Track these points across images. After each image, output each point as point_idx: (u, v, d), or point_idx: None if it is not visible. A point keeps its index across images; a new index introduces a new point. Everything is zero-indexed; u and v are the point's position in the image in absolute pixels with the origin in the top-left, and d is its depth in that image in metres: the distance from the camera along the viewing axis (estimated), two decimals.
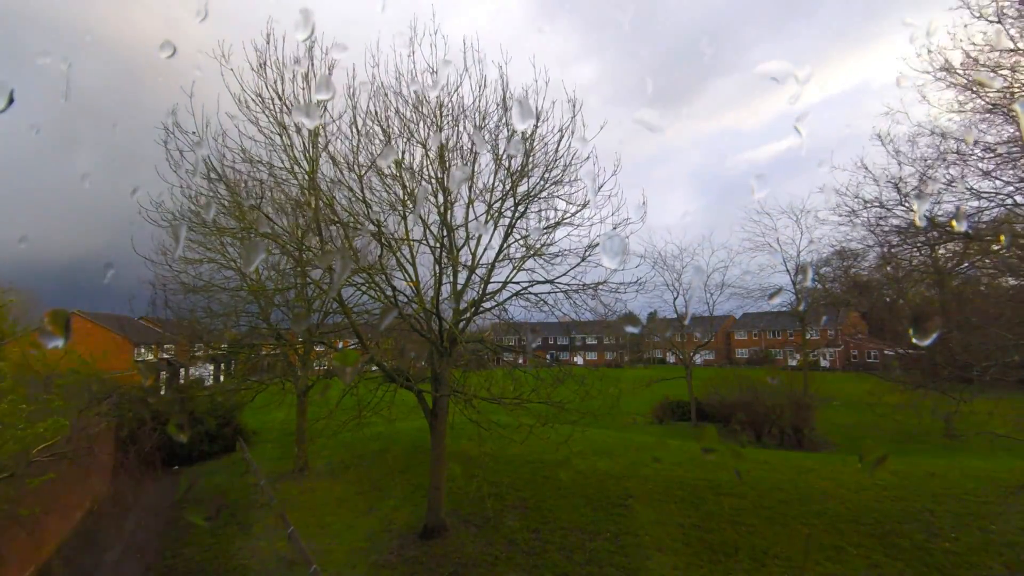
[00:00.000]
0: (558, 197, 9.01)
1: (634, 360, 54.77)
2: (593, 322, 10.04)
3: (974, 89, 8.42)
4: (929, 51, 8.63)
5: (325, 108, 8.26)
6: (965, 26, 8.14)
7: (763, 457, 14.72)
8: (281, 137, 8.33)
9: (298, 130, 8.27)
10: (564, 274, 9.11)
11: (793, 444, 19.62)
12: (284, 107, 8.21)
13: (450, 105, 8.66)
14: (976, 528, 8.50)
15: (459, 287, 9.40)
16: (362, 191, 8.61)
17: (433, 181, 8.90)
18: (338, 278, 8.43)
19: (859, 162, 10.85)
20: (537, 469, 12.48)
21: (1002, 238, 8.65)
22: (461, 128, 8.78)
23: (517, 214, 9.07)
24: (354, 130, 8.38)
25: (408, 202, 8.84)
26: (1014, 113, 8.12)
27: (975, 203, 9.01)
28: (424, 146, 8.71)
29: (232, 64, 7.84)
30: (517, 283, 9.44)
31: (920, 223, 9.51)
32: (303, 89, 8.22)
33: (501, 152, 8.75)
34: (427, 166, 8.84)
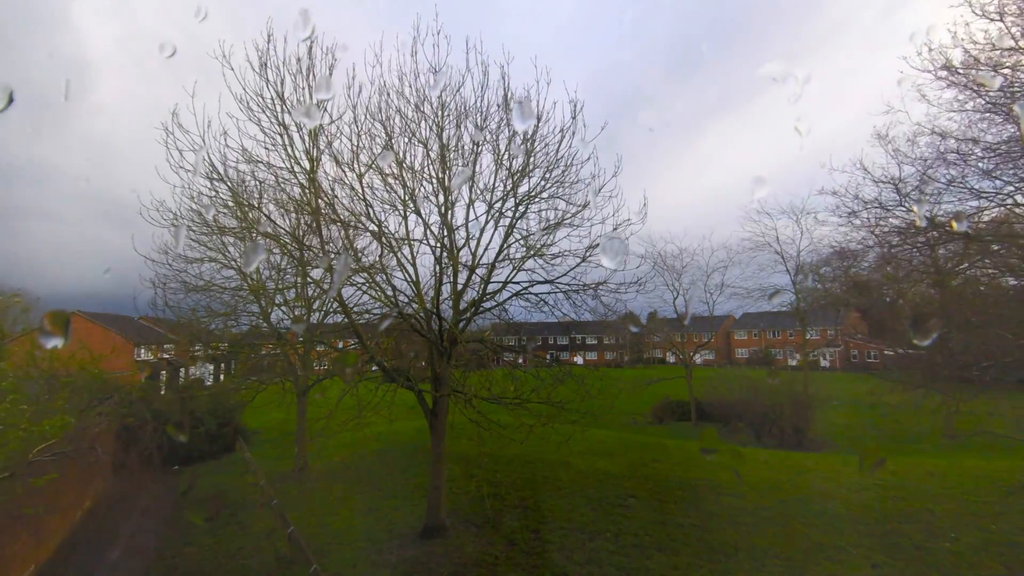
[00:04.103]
0: (559, 198, 9.01)
1: (634, 360, 54.79)
2: (593, 322, 10.03)
3: (974, 88, 8.41)
4: (930, 49, 8.63)
5: (325, 108, 8.25)
6: (967, 24, 8.13)
7: (763, 457, 14.75)
8: (282, 136, 8.32)
9: (299, 129, 8.25)
10: (564, 274, 9.10)
11: (793, 444, 19.60)
12: (284, 107, 8.20)
13: (452, 105, 8.67)
14: (976, 528, 8.50)
15: (459, 287, 9.40)
16: (363, 190, 8.61)
17: (434, 181, 8.90)
18: (338, 278, 8.44)
19: (858, 162, 10.87)
20: (537, 469, 12.48)
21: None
22: (462, 128, 8.79)
23: (518, 214, 9.07)
24: (355, 128, 8.39)
25: (409, 202, 8.84)
26: (1015, 113, 8.12)
27: (975, 203, 9.02)
28: (425, 145, 8.71)
29: (233, 63, 7.84)
30: (517, 283, 9.43)
31: (920, 223, 9.52)
32: (304, 88, 8.21)
33: (502, 152, 8.76)
34: (428, 166, 8.84)
